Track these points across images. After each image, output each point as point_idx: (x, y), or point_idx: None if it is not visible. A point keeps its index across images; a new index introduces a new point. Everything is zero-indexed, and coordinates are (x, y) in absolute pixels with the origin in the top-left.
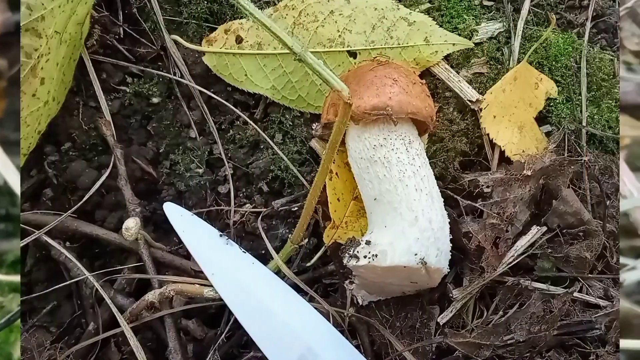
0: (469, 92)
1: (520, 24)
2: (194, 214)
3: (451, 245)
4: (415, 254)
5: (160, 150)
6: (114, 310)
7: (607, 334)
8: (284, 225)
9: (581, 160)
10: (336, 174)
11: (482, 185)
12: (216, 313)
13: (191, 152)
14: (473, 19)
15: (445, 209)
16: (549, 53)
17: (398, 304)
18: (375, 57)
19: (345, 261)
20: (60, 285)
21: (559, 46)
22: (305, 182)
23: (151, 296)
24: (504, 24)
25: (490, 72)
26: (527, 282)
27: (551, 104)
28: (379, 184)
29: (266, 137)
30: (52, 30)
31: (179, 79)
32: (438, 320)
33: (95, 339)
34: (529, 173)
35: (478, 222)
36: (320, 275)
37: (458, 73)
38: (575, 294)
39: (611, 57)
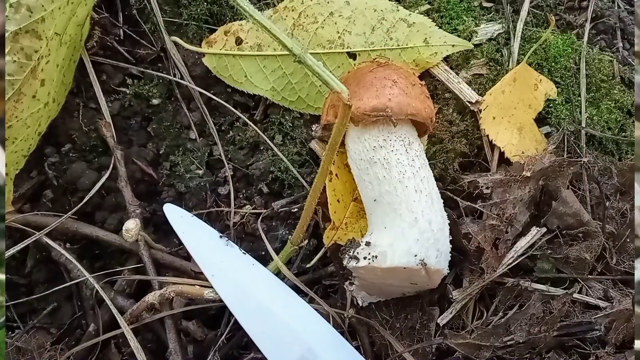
0: (468, 94)
1: (520, 25)
2: (194, 215)
3: (451, 246)
4: (415, 255)
5: (160, 152)
6: (114, 311)
7: (607, 335)
8: (284, 227)
9: (580, 161)
10: (336, 175)
11: (482, 187)
12: (216, 314)
13: (191, 154)
14: (472, 20)
15: (445, 210)
16: (549, 54)
17: (398, 305)
18: (375, 59)
19: (345, 262)
20: (60, 286)
21: (558, 47)
22: (305, 184)
23: (151, 297)
24: (504, 25)
25: (490, 74)
26: (526, 283)
27: (550, 105)
28: (379, 185)
29: (266, 138)
30: (52, 32)
31: (179, 81)
32: (438, 321)
33: (95, 340)
34: (529, 174)
35: (478, 223)
36: (320, 277)
37: (457, 74)
38: (575, 295)
39: (610, 58)
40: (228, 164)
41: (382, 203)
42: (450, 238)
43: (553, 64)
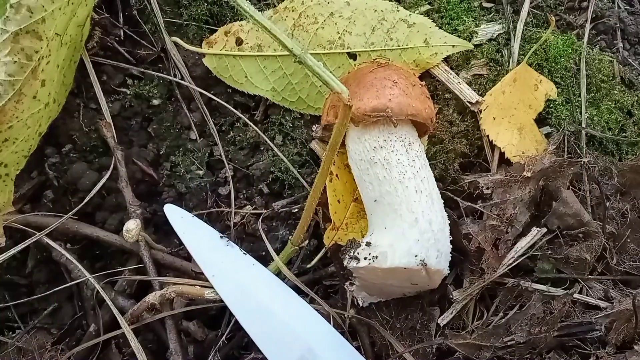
0: (468, 94)
1: (520, 26)
2: (195, 215)
3: (451, 246)
4: (416, 256)
5: (161, 152)
6: (115, 311)
7: (607, 335)
8: (285, 227)
9: (581, 161)
10: (336, 175)
11: (482, 187)
12: (217, 314)
13: (192, 154)
14: (473, 20)
15: (445, 211)
16: (549, 55)
17: (398, 305)
18: (375, 59)
19: (345, 263)
20: (61, 287)
21: (558, 48)
22: (305, 184)
23: (152, 298)
24: (504, 25)
25: (490, 74)
26: (527, 283)
27: (551, 105)
28: (379, 185)
29: (266, 138)
30: (52, 33)
31: (180, 81)
32: (438, 322)
33: (96, 340)
34: (529, 174)
35: (478, 223)
36: (321, 277)
37: (458, 75)
38: (575, 295)
39: (610, 59)
40: (228, 164)
41: (382, 203)
42: (451, 238)
43: (553, 64)
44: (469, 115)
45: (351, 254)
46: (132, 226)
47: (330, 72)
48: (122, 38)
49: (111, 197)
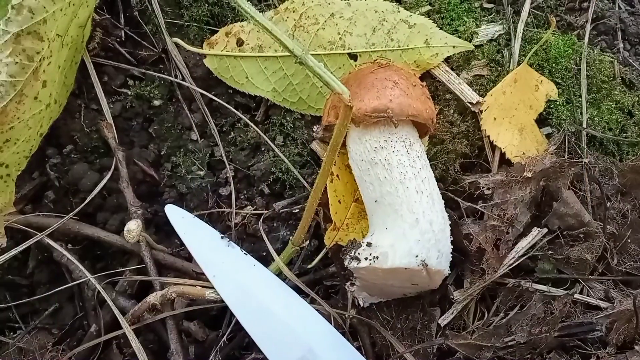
0: (469, 94)
1: (521, 27)
2: (196, 216)
3: (452, 247)
4: (416, 256)
5: (162, 153)
6: (116, 312)
7: (608, 335)
8: (285, 227)
9: (581, 162)
10: (337, 176)
11: (483, 187)
12: (218, 315)
13: (192, 155)
14: (473, 21)
15: (446, 211)
16: (549, 55)
17: (399, 305)
18: (376, 60)
19: (346, 263)
20: (62, 287)
21: (559, 48)
22: (306, 184)
23: (153, 298)
24: (504, 26)
25: (491, 74)
26: (527, 283)
27: (551, 106)
28: (380, 186)
29: (267, 139)
30: (54, 34)
31: (180, 82)
32: (439, 322)
33: (97, 340)
34: (530, 175)
35: (479, 224)
36: (322, 277)
37: (458, 75)
38: (576, 296)
39: (611, 59)
40: (229, 164)
41: (383, 204)
42: (452, 239)
43: (554, 64)
44: (470, 115)
45: (352, 254)
46: (133, 227)
47: (331, 72)
48: (123, 39)
49: (112, 198)
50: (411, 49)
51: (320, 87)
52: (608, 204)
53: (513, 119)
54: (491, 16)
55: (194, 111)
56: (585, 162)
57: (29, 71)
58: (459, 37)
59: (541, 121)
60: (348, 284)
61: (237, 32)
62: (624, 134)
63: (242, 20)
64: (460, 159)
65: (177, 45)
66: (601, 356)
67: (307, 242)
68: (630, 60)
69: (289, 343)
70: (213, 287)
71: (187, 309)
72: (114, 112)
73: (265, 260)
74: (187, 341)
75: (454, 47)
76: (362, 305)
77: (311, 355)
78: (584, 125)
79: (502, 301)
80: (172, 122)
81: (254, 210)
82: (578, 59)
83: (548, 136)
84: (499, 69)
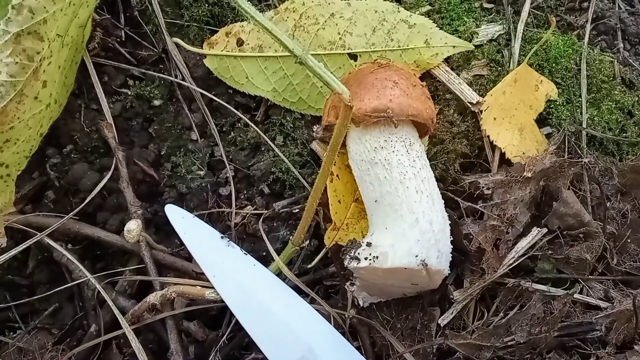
0: (469, 94)
1: (521, 26)
2: (196, 216)
3: (452, 246)
4: (416, 256)
5: (162, 153)
6: (116, 312)
7: (608, 335)
8: (285, 227)
9: (581, 162)
10: (337, 176)
11: (483, 187)
12: (217, 315)
13: (192, 155)
14: (473, 21)
15: (446, 211)
16: (549, 55)
17: (399, 305)
18: (376, 60)
19: (346, 263)
20: (62, 287)
21: (559, 48)
22: (306, 184)
23: (153, 298)
24: (504, 26)
25: (491, 74)
26: (527, 283)
27: (551, 105)
28: (380, 185)
29: (267, 139)
30: (54, 34)
31: (180, 82)
32: (439, 322)
33: (97, 340)
34: (530, 175)
35: (479, 223)
36: (322, 277)
37: (458, 75)
38: (576, 296)
39: (611, 59)
40: (229, 164)
41: (383, 204)
42: (451, 239)
43: (554, 64)
44: (470, 115)
45: (352, 254)
46: (133, 226)
47: (331, 72)
48: (123, 39)
49: (112, 198)
50: (411, 49)
51: (320, 87)
52: (608, 204)
53: (513, 118)
54: (491, 16)
55: (194, 111)
56: (585, 162)
57: (29, 71)
58: (459, 37)
59: (541, 121)
60: (348, 283)
61: (237, 32)
62: (624, 134)
63: (242, 20)
64: (460, 159)
65: (177, 45)
66: (601, 356)
67: (307, 242)
68: (630, 60)
69: (289, 343)
70: (213, 287)
71: (187, 309)
72: (114, 112)
73: (265, 260)
74: (187, 341)
75: (454, 47)
76: (361, 305)
77: (311, 355)
78: (584, 125)
79: (501, 301)
80: (172, 122)
81: (253, 210)
82: (578, 58)
83: (548, 136)
84: (499, 68)
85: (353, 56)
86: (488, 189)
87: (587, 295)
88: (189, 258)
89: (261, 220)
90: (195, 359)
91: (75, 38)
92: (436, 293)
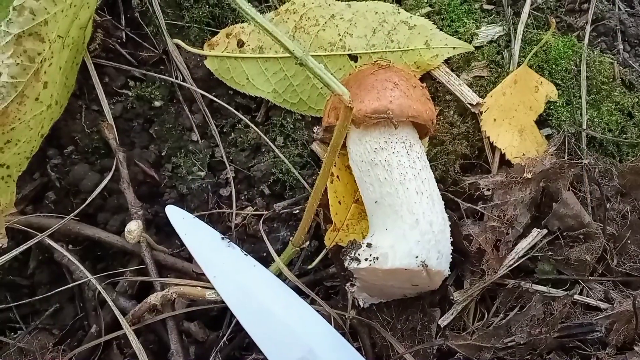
0: (469, 96)
1: (521, 28)
2: (196, 216)
3: (452, 247)
4: (416, 257)
5: (163, 154)
6: (117, 312)
7: (608, 336)
8: (286, 228)
9: (581, 163)
10: (337, 177)
11: (483, 188)
12: (218, 315)
13: (193, 155)
14: (473, 22)
15: (446, 212)
16: (549, 56)
17: (399, 306)
18: (376, 61)
19: (346, 264)
20: (62, 287)
21: (559, 49)
22: (306, 185)
23: (153, 299)
24: (504, 27)
25: (491, 76)
26: (527, 284)
27: (551, 107)
28: (380, 186)
29: (267, 140)
30: (55, 35)
31: (181, 83)
32: (439, 323)
33: (97, 341)
34: (530, 176)
35: (479, 224)
36: (322, 278)
37: (458, 76)
38: (576, 297)
39: (611, 61)
40: (230, 165)
41: (383, 205)
42: (451, 239)
43: (554, 66)
44: (470, 116)
45: (352, 255)
46: (134, 227)
47: (331, 74)
48: (124, 40)
49: (113, 199)
50: (411, 50)
51: (321, 88)
52: (608, 205)
53: (513, 120)
54: (491, 17)
55: (194, 112)
56: (585, 163)
57: (30, 72)
58: (459, 38)
59: (541, 122)
60: (348, 284)
61: (238, 33)
62: (624, 135)
63: (242, 22)
64: (460, 160)
65: (177, 46)
66: (601, 357)
67: (307, 242)
68: (630, 62)
69: (289, 344)
70: (213, 288)
71: (187, 310)
72: (115, 113)
73: (266, 261)
74: (187, 342)
75: (454, 48)
76: (362, 306)
77: (311, 356)
78: (584, 127)
79: (502, 302)
80: (173, 123)
81: (254, 211)
82: (578, 60)
83: (548, 137)
84: (499, 70)
85: (353, 57)
86: (488, 190)
87: (587, 296)
88: (190, 259)
89: (261, 221)
90: (195, 359)
91: (76, 39)
92: (436, 294)
